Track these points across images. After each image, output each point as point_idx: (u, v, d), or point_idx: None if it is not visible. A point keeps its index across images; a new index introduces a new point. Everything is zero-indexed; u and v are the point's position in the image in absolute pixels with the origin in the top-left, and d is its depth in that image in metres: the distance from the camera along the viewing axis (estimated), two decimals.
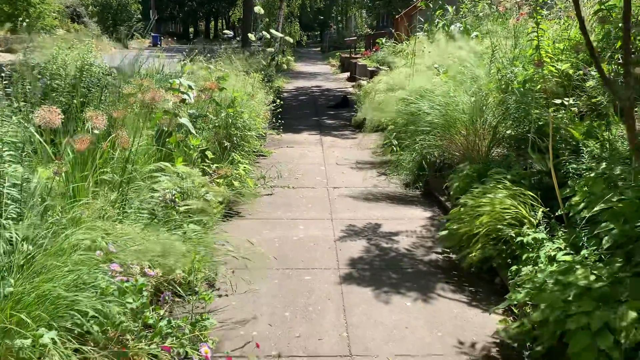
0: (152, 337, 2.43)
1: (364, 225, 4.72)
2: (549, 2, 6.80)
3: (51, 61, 4.53)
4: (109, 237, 2.50)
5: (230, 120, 5.62)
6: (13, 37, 35.35)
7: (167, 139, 4.55)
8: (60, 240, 2.32)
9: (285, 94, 14.08)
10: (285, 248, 4.20)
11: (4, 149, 2.75)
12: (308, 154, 7.51)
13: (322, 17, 46.84)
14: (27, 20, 29.57)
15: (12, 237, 2.52)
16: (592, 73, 4.86)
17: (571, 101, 4.96)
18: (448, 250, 4.09)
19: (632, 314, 2.23)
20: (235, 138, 5.65)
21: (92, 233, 2.36)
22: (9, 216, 2.67)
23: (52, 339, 2.00)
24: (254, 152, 6.75)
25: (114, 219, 2.70)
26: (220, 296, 3.36)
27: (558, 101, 5.04)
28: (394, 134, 6.78)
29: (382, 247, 4.26)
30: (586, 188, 3.19)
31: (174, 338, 2.46)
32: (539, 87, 5.19)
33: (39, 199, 2.82)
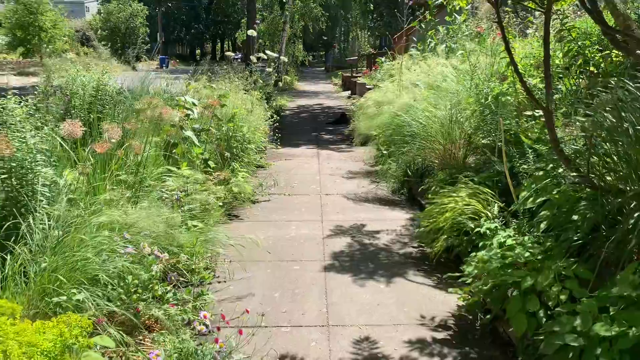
0: (161, 305, 2.95)
1: (350, 226, 5.24)
2: (533, 21, 7.37)
3: (70, 82, 5.13)
4: (125, 222, 3.03)
5: (231, 134, 6.19)
6: (25, 61, 36.16)
7: (174, 150, 5.13)
8: (87, 223, 2.86)
9: (287, 112, 14.70)
10: (278, 244, 4.72)
11: (37, 155, 3.30)
12: (304, 166, 8.06)
13: (325, 38, 47.85)
14: (41, 44, 30.40)
15: (44, 227, 3.07)
16: (560, 87, 5.39)
17: (540, 113, 5.49)
18: (422, 245, 4.59)
19: (551, 275, 2.72)
20: (235, 149, 6.21)
21: (112, 217, 2.90)
22: (41, 210, 3.21)
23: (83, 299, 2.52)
24: (254, 164, 7.29)
25: (127, 212, 3.23)
26: (219, 282, 3.87)
27: (528, 113, 5.57)
28: (384, 145, 7.34)
29: (364, 243, 4.77)
30: (534, 185, 3.71)
31: (179, 307, 2.98)
32: (512, 100, 5.73)
33: (65, 196, 3.37)
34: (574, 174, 3.05)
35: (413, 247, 4.65)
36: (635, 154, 2.74)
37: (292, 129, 11.53)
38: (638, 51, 2.59)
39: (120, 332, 2.52)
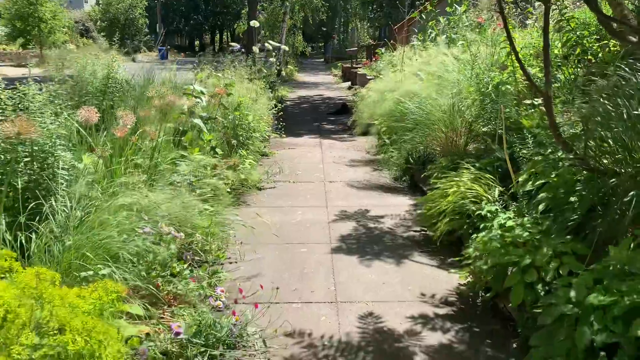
0: (179, 282, 3.10)
1: (354, 211, 5.39)
2: (533, 12, 7.49)
3: (82, 71, 5.25)
4: (143, 204, 3.18)
5: (237, 122, 6.33)
6: (24, 52, 36.09)
7: (182, 137, 5.27)
8: (108, 204, 3.00)
9: (288, 102, 14.81)
10: (285, 229, 4.87)
11: (56, 140, 3.44)
12: (308, 154, 8.20)
13: (325, 29, 47.79)
14: (41, 35, 30.40)
15: (65, 208, 3.22)
16: (559, 76, 5.52)
17: (540, 101, 5.63)
18: (425, 228, 4.75)
19: (549, 252, 2.88)
20: (241, 137, 6.35)
21: (133, 198, 3.04)
22: (62, 192, 3.36)
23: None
24: (258, 152, 7.43)
25: (145, 194, 3.38)
26: (230, 263, 4.03)
27: (528, 101, 5.71)
28: (386, 134, 7.49)
29: (369, 227, 4.93)
30: (533, 169, 3.86)
31: (196, 283, 3.13)
32: (512, 89, 5.86)
33: (84, 180, 3.52)
34: (571, 156, 3.19)
35: (416, 230, 4.80)
36: (629, 138, 2.89)
37: (294, 119, 11.66)
38: (632, 38, 2.73)
39: (145, 304, 2.68)
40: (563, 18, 5.45)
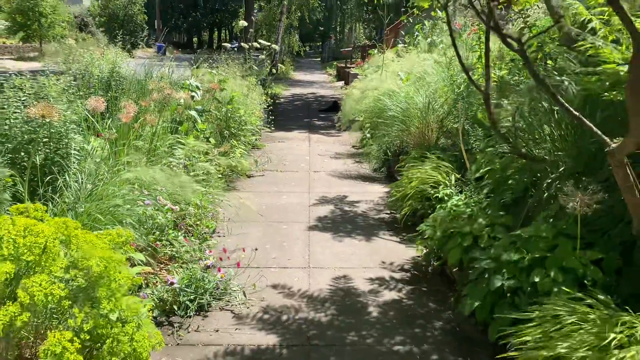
0: (173, 246, 3.67)
1: (333, 197, 5.97)
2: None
3: (89, 65, 5.80)
4: (145, 180, 3.73)
5: (229, 115, 6.89)
6: (25, 46, 36.35)
7: (179, 127, 5.82)
8: (115, 178, 3.56)
9: (282, 100, 15.38)
10: (270, 210, 5.44)
11: (70, 125, 3.99)
12: (296, 147, 8.77)
13: (321, 29, 48.35)
14: (41, 29, 30.77)
15: (77, 182, 3.78)
16: (522, 77, 6.10)
17: (506, 101, 6.21)
18: (394, 211, 5.33)
19: (484, 223, 3.46)
20: (233, 129, 6.91)
21: (136, 173, 3.60)
22: (74, 168, 3.91)
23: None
24: (249, 144, 7.99)
25: (146, 171, 3.93)
26: (219, 236, 4.59)
27: (494, 101, 6.29)
28: (368, 130, 8.07)
29: (345, 210, 5.50)
30: (483, 159, 4.44)
31: (189, 246, 3.70)
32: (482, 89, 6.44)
33: (92, 159, 4.07)
34: (507, 146, 3.78)
35: (386, 213, 5.38)
36: (550, 129, 3.47)
37: (286, 115, 12.23)
38: (514, 44, 3.22)
39: (146, 257, 3.25)
40: (526, 25, 6.04)
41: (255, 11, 23.97)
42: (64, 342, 1.92)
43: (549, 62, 6.14)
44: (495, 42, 7.31)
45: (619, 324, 2.26)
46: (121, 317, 2.18)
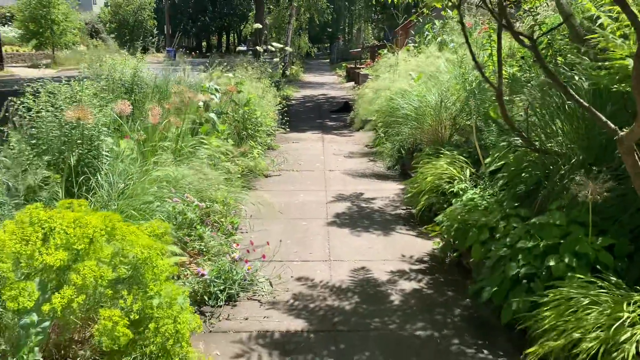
0: (201, 240, 3.85)
1: (350, 194, 6.13)
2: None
3: (112, 71, 6.01)
4: (173, 177, 3.92)
5: (246, 116, 7.08)
6: (37, 53, 36.84)
7: (199, 129, 6.02)
8: (145, 176, 3.75)
9: (293, 101, 15.56)
10: (289, 208, 5.61)
11: (102, 128, 4.19)
12: (310, 148, 8.94)
13: (330, 30, 48.54)
14: (54, 37, 31.20)
15: (109, 181, 3.97)
16: (532, 74, 6.22)
17: (517, 99, 6.34)
18: (410, 207, 5.48)
19: (499, 215, 3.60)
20: (250, 130, 7.10)
21: (166, 172, 3.79)
22: (106, 169, 4.11)
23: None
24: (265, 145, 8.17)
25: (174, 169, 4.13)
26: (242, 233, 4.77)
27: (506, 98, 6.42)
28: (381, 129, 8.22)
29: (361, 206, 5.66)
30: (497, 153, 4.58)
31: (216, 240, 3.88)
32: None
33: (121, 160, 4.27)
34: (520, 140, 3.92)
35: (402, 209, 5.53)
36: (562, 123, 3.61)
37: (298, 117, 12.41)
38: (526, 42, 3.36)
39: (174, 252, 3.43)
40: (535, 23, 6.17)
41: (266, 14, 24.21)
42: (115, 318, 2.10)
43: (559, 58, 6.29)
44: (505, 41, 7.44)
45: (631, 303, 2.40)
46: (164, 301, 2.36)
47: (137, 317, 2.20)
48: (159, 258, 2.39)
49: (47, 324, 2.13)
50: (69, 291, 2.13)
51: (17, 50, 35.97)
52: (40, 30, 33.61)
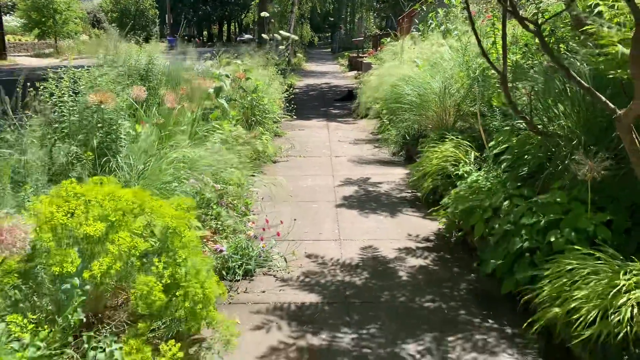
0: (217, 219, 4.02)
1: (357, 179, 6.30)
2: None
3: (127, 59, 6.16)
4: (190, 159, 4.09)
5: (254, 103, 7.24)
6: (40, 42, 36.80)
7: (209, 115, 6.18)
8: (163, 158, 3.92)
9: (297, 90, 15.67)
10: (298, 191, 5.78)
11: (120, 112, 4.35)
12: (316, 135, 9.10)
13: (332, 19, 48.48)
14: (56, 26, 31.20)
15: (128, 162, 4.14)
16: (535, 61, 6.35)
17: (520, 85, 6.48)
18: (415, 190, 5.65)
19: (502, 195, 3.77)
20: (257, 116, 7.26)
21: (184, 153, 3.96)
22: (125, 152, 4.28)
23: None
24: (272, 131, 8.34)
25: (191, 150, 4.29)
26: (254, 214, 4.94)
27: (510, 84, 6.56)
28: (386, 116, 8.38)
29: (368, 190, 5.83)
30: (500, 137, 4.74)
31: (231, 220, 4.06)
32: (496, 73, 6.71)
33: (138, 143, 4.43)
34: (522, 122, 4.07)
35: (408, 192, 5.71)
36: (564, 107, 3.77)
37: (303, 105, 12.55)
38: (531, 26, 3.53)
39: (198, 226, 3.60)
40: (538, 10, 6.29)
41: (269, 2, 24.23)
42: (151, 283, 2.29)
43: (561, 45, 6.42)
44: (509, 29, 7.57)
45: (628, 272, 2.58)
46: (191, 270, 2.54)
47: (169, 281, 2.38)
48: (186, 228, 2.56)
49: (88, 287, 2.32)
50: (107, 259, 2.31)
51: (19, 40, 36.02)
52: (43, 19, 33.62)
